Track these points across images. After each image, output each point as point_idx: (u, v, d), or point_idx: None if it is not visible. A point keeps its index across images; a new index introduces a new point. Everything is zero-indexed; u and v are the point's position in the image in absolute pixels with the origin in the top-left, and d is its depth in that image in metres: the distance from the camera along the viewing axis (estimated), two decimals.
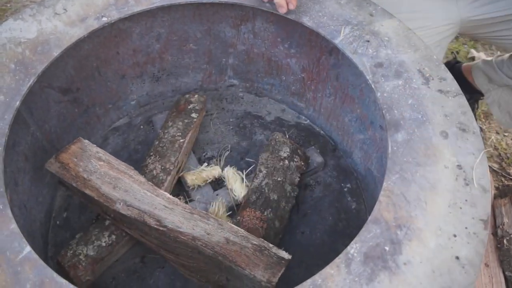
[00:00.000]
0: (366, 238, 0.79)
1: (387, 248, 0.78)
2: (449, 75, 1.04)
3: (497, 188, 1.69)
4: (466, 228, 0.82)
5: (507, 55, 1.65)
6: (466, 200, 0.85)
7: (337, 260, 0.77)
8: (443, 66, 1.06)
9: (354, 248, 0.78)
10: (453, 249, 0.79)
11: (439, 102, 0.99)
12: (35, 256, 0.77)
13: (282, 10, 1.13)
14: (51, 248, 1.19)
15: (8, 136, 0.94)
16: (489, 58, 1.74)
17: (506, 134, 1.92)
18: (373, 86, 1.01)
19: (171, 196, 1.02)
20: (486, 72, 1.72)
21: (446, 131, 0.94)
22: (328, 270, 0.75)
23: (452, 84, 1.02)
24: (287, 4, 1.13)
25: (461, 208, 0.84)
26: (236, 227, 0.96)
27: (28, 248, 0.78)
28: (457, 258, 0.78)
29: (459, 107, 0.98)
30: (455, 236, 0.81)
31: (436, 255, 0.78)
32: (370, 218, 0.82)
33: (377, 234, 0.80)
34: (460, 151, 0.92)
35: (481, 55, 2.21)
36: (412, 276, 0.76)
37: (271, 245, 0.93)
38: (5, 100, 0.98)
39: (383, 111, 0.97)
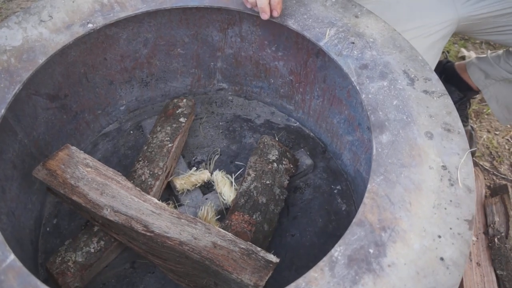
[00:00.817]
0: (350, 241, 0.80)
1: (371, 251, 0.79)
2: (434, 76, 1.04)
3: (488, 187, 1.69)
4: (450, 228, 0.82)
5: (501, 50, 1.66)
6: (450, 201, 0.85)
7: (321, 263, 0.77)
8: (428, 67, 1.06)
9: (338, 251, 0.78)
10: (438, 250, 0.79)
11: (424, 103, 0.99)
12: (19, 264, 0.77)
13: (264, 16, 1.13)
14: (42, 255, 1.18)
15: None
16: (483, 55, 1.74)
17: (497, 132, 1.92)
18: (358, 88, 1.02)
19: (158, 201, 1.02)
20: (482, 68, 1.72)
21: (431, 131, 0.95)
22: (312, 273, 0.75)
23: (437, 84, 1.03)
24: (271, 11, 1.12)
25: (445, 208, 0.84)
26: (223, 231, 0.96)
27: (12, 256, 0.78)
28: (442, 259, 0.78)
29: (444, 107, 0.99)
30: (439, 237, 0.81)
31: (420, 257, 0.78)
32: (354, 220, 0.82)
33: (361, 237, 0.80)
34: (445, 151, 0.92)
35: (471, 54, 2.22)
36: (397, 278, 0.76)
37: (258, 248, 0.93)
38: None
39: (368, 113, 0.98)
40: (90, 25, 1.13)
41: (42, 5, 1.17)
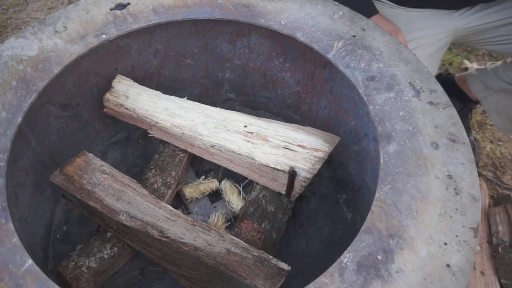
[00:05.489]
0: (359, 248, 0.82)
1: (379, 257, 0.81)
2: (439, 87, 1.07)
3: (491, 197, 1.71)
4: (456, 236, 0.84)
5: (499, 62, 1.69)
6: (456, 209, 0.87)
7: (330, 269, 0.79)
8: (434, 79, 1.09)
9: (347, 257, 0.80)
10: (444, 257, 0.81)
11: (430, 114, 1.02)
12: (37, 269, 0.79)
13: None
14: (51, 261, 1.20)
15: (10, 152, 0.96)
16: (483, 67, 1.77)
17: (500, 143, 1.95)
18: (365, 99, 1.04)
19: (173, 209, 1.04)
20: (482, 79, 1.75)
21: (437, 142, 0.97)
22: (322, 279, 0.77)
23: (442, 96, 1.05)
24: None
25: (451, 216, 0.86)
26: (236, 238, 0.98)
27: (30, 261, 0.80)
28: (448, 265, 0.80)
29: (449, 118, 1.01)
30: (445, 244, 0.83)
31: (427, 263, 0.80)
32: (362, 228, 0.84)
33: (370, 244, 0.82)
34: (451, 161, 0.94)
35: (474, 66, 2.25)
36: (404, 284, 0.78)
37: (270, 256, 0.95)
38: (7, 116, 1.00)
39: (375, 123, 1.00)
40: (103, 36, 1.16)
41: (57, 16, 1.20)
